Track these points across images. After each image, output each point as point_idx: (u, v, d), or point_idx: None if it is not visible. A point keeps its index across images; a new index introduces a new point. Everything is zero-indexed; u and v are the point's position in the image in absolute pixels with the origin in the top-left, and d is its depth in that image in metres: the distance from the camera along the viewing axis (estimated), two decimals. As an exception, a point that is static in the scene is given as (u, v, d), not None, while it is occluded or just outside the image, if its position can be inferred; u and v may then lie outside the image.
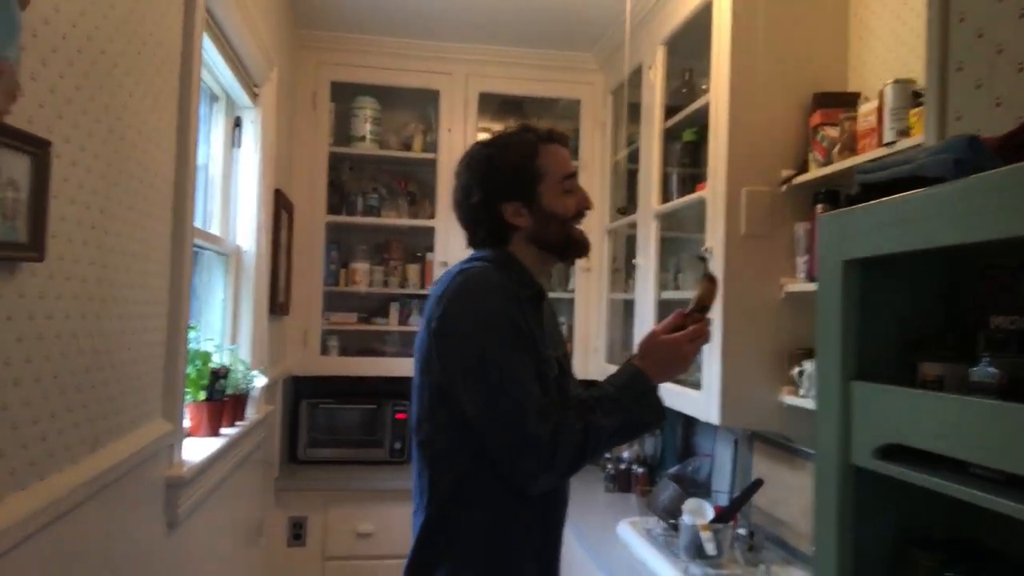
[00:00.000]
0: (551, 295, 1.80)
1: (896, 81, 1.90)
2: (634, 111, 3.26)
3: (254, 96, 2.91)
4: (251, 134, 2.93)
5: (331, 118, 3.75)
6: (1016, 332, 0.90)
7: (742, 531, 2.40)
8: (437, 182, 3.78)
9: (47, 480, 1.23)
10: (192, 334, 2.12)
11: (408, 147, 3.88)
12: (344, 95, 3.81)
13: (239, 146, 2.90)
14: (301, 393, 3.78)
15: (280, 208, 3.20)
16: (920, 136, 1.78)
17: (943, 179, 0.84)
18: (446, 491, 1.55)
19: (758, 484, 2.42)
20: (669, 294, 2.96)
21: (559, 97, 3.97)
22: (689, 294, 1.69)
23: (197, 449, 2.10)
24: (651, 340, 1.62)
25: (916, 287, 1.02)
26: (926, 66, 1.20)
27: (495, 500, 1.54)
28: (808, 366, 2.15)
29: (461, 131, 3.77)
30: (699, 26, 2.61)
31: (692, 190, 2.73)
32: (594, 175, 3.76)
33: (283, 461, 3.58)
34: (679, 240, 3.08)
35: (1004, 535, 0.97)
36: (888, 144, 1.89)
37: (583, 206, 1.66)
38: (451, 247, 3.71)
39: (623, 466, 3.36)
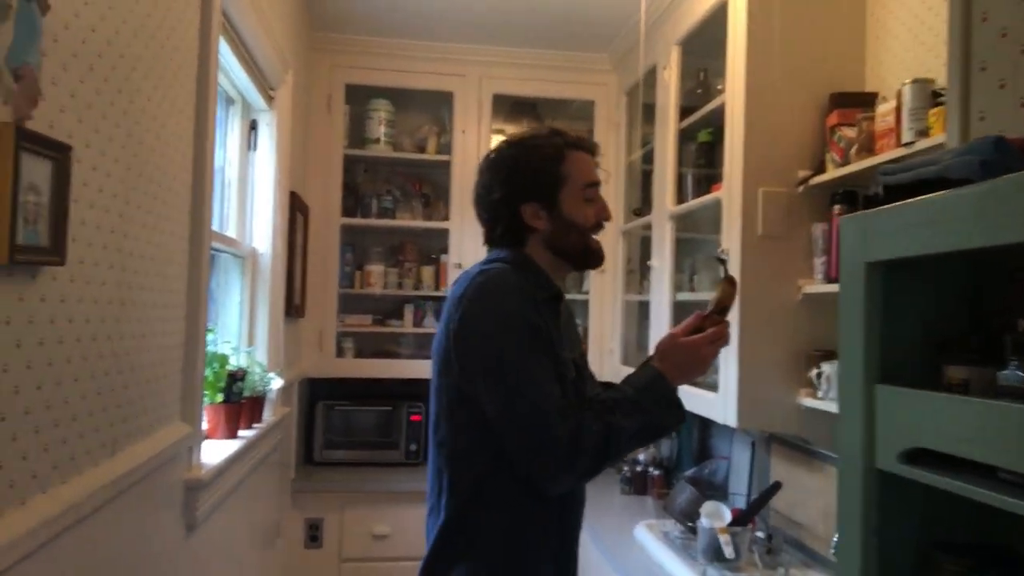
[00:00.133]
0: (566, 296, 1.80)
1: (915, 81, 1.88)
2: (648, 112, 3.25)
3: (269, 99, 2.92)
4: (267, 137, 2.94)
5: (346, 120, 3.76)
6: (1044, 336, 0.88)
7: (760, 534, 2.39)
8: (451, 184, 3.79)
9: (68, 483, 1.24)
10: (209, 336, 2.13)
11: (422, 149, 3.89)
12: (358, 97, 3.82)
13: (255, 149, 2.91)
14: (317, 395, 3.79)
15: (295, 210, 3.21)
16: (939, 136, 1.77)
17: (969, 181, 0.83)
18: (464, 492, 1.55)
19: (776, 487, 2.41)
20: (684, 295, 2.95)
21: (573, 98, 3.96)
22: (705, 295, 1.68)
23: (215, 451, 2.11)
24: (670, 342, 1.61)
25: (939, 289, 1.00)
26: (948, 66, 1.19)
27: (513, 501, 1.54)
28: (826, 368, 2.14)
29: (475, 133, 3.77)
30: (714, 26, 2.60)
31: (707, 191, 2.71)
32: (608, 176, 3.74)
33: (299, 463, 3.59)
34: (694, 241, 3.07)
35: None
36: (907, 144, 1.87)
37: (602, 217, 1.66)
38: (466, 249, 3.71)
39: (639, 468, 3.35)
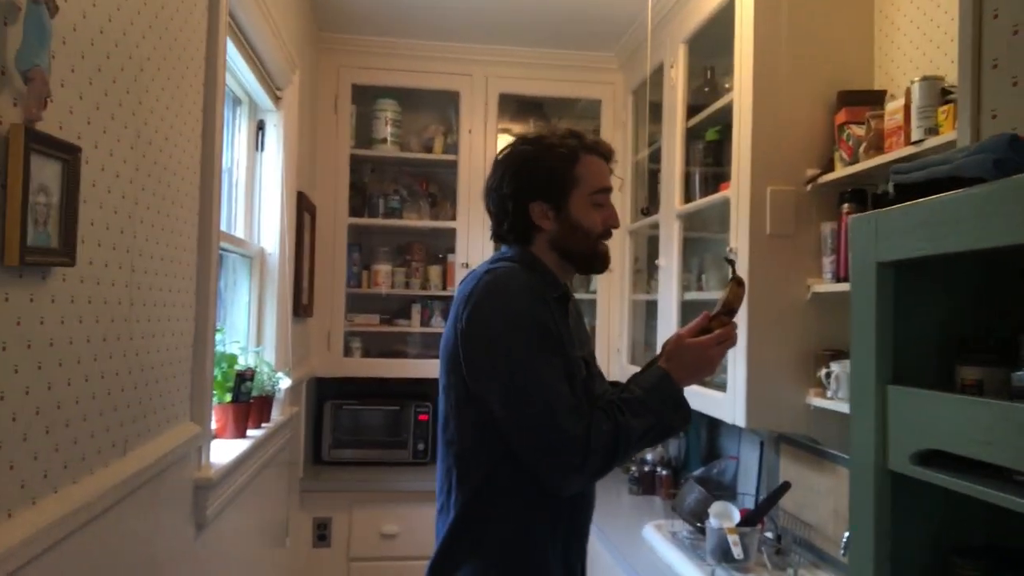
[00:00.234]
0: (574, 295, 1.80)
1: (924, 78, 1.87)
2: (655, 110, 3.24)
3: (277, 99, 2.93)
4: (274, 137, 2.94)
5: (352, 121, 3.76)
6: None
7: (769, 534, 2.38)
8: (458, 183, 3.79)
9: (79, 483, 1.24)
10: (218, 336, 2.14)
11: (429, 149, 3.89)
12: (365, 98, 3.82)
13: (262, 149, 2.92)
14: (324, 394, 3.79)
15: (303, 210, 3.22)
16: (949, 134, 1.76)
17: (982, 179, 0.82)
18: (473, 490, 1.55)
19: (785, 487, 2.40)
20: (692, 295, 2.94)
21: (579, 97, 3.96)
22: (713, 295, 1.68)
23: (224, 451, 2.12)
24: (677, 343, 1.61)
25: (950, 289, 1.00)
26: (959, 63, 1.18)
27: (522, 500, 1.54)
28: (836, 367, 2.13)
29: (481, 132, 3.77)
30: (721, 24, 2.59)
31: (715, 190, 2.71)
32: (615, 175, 3.73)
33: (307, 462, 3.60)
34: (702, 240, 3.06)
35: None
36: (916, 143, 1.86)
37: (610, 223, 1.65)
38: (473, 248, 3.71)
39: (647, 468, 3.34)
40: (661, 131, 3.16)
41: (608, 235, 1.66)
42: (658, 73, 3.16)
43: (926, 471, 0.87)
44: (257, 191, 2.91)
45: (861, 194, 2.17)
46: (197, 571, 1.90)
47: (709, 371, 1.63)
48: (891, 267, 0.95)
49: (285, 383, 2.82)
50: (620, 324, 3.72)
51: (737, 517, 2.33)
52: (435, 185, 4.04)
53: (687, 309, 2.90)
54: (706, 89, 2.93)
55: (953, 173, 0.88)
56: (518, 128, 3.96)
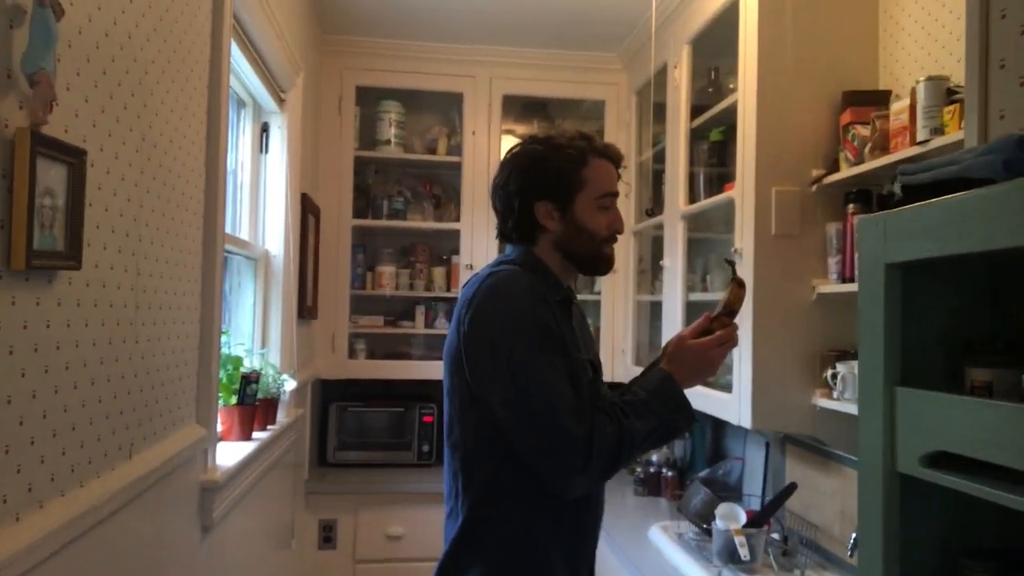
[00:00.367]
0: (577, 296, 1.80)
1: (929, 78, 1.87)
2: (659, 111, 3.24)
3: (281, 101, 2.93)
4: (278, 139, 2.95)
5: (356, 122, 3.76)
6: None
7: (775, 536, 2.38)
8: (462, 185, 3.79)
9: (86, 486, 1.24)
10: (223, 339, 2.14)
11: (433, 150, 3.89)
12: (369, 99, 3.83)
13: (266, 151, 2.92)
14: (329, 396, 3.80)
15: (307, 212, 3.22)
16: (955, 134, 1.76)
17: (991, 181, 0.82)
18: (478, 493, 1.55)
19: (792, 488, 2.39)
20: (697, 296, 2.94)
21: (583, 98, 3.95)
22: (717, 296, 1.68)
23: (230, 453, 2.12)
24: (679, 344, 1.61)
25: (958, 291, 0.99)
26: (966, 63, 1.17)
27: (524, 502, 1.53)
28: (841, 368, 2.12)
29: (485, 133, 3.77)
30: (725, 25, 2.59)
31: (720, 190, 2.70)
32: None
33: (312, 464, 3.60)
34: (706, 241, 3.06)
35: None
36: (921, 143, 1.86)
37: (614, 228, 1.65)
38: (476, 250, 3.71)
39: (653, 469, 3.34)
40: (665, 131, 3.16)
41: (613, 239, 1.66)
42: (662, 74, 3.16)
43: (936, 473, 0.86)
44: (261, 193, 2.91)
45: (866, 194, 2.17)
46: (203, 573, 1.90)
47: (710, 372, 1.63)
48: (899, 268, 0.95)
49: (290, 385, 2.82)
50: (624, 325, 3.72)
51: (743, 518, 2.33)
52: (439, 186, 4.04)
53: (691, 310, 2.89)
54: (710, 89, 2.92)
55: (962, 174, 0.87)
56: (522, 129, 3.97)
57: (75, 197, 1.16)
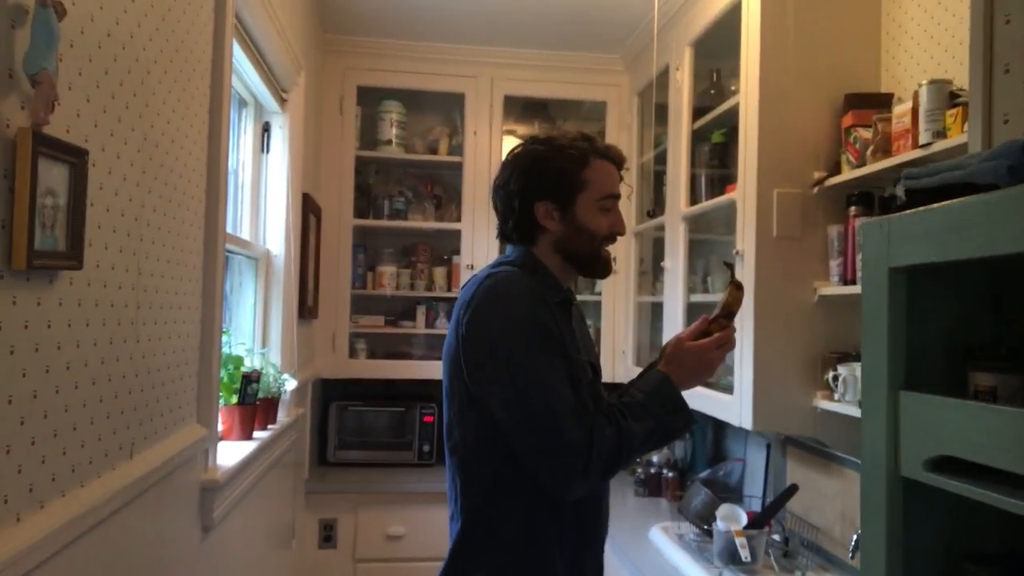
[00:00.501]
0: (578, 297, 1.80)
1: (931, 81, 1.87)
2: (661, 112, 3.24)
3: (282, 101, 2.93)
4: (279, 139, 2.95)
5: (357, 122, 3.76)
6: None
7: (776, 537, 2.38)
8: (463, 185, 3.79)
9: (87, 486, 1.24)
10: (224, 338, 2.14)
11: (434, 150, 3.89)
12: (370, 99, 3.82)
13: (268, 151, 2.92)
14: (330, 396, 3.79)
15: (308, 212, 3.22)
16: (957, 138, 1.76)
17: (995, 186, 0.82)
18: (478, 496, 1.54)
19: (793, 490, 2.39)
20: (698, 297, 2.94)
21: (585, 99, 3.95)
22: (718, 297, 1.68)
23: (230, 453, 2.12)
24: (677, 346, 1.61)
25: (961, 295, 0.99)
26: (970, 68, 1.17)
27: (524, 505, 1.53)
28: (843, 370, 2.12)
29: (486, 134, 3.77)
30: (727, 26, 2.59)
31: (721, 192, 2.70)
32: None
33: (313, 463, 3.59)
34: (708, 242, 3.06)
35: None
36: (924, 146, 1.86)
37: (616, 229, 1.65)
38: (477, 250, 3.71)
39: (653, 470, 3.34)
40: (667, 133, 3.16)
41: (612, 240, 1.66)
42: (664, 75, 3.16)
43: (939, 477, 0.86)
44: (263, 193, 2.91)
45: (868, 197, 2.17)
46: (204, 573, 1.90)
47: (708, 374, 1.63)
48: (903, 272, 0.95)
49: (291, 385, 2.82)
50: (625, 326, 3.71)
51: (744, 520, 2.32)
52: (440, 187, 4.04)
53: (692, 311, 2.89)
54: (712, 91, 2.92)
55: (966, 179, 0.87)
56: (523, 130, 3.97)
57: (77, 197, 1.15)
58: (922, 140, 1.87)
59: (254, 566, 2.50)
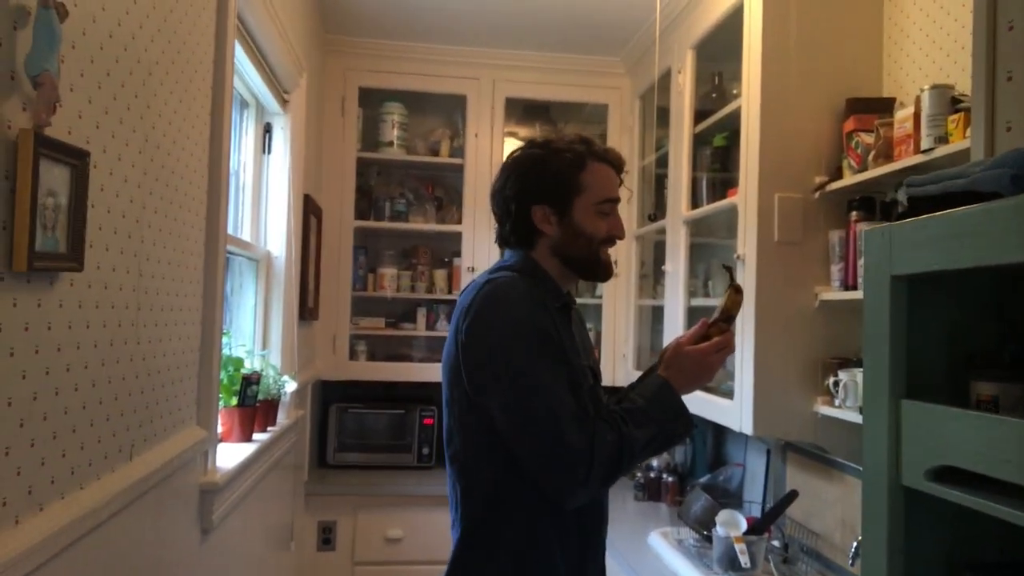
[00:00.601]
0: (578, 300, 1.79)
1: (934, 86, 1.87)
2: (663, 115, 3.24)
3: (284, 102, 2.93)
4: (281, 140, 2.95)
5: (359, 124, 3.76)
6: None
7: (776, 543, 2.37)
8: (464, 187, 3.79)
9: (87, 488, 1.24)
10: (224, 340, 2.14)
11: (435, 152, 3.89)
12: (372, 101, 3.83)
13: (269, 152, 2.92)
14: (330, 398, 3.79)
15: (309, 213, 3.22)
16: (959, 143, 1.75)
17: (998, 195, 0.82)
18: (479, 503, 1.54)
19: (793, 496, 2.39)
20: (699, 301, 2.93)
21: (586, 102, 3.95)
22: (719, 301, 1.67)
23: (230, 455, 2.11)
24: (676, 351, 1.61)
25: (963, 303, 0.99)
26: (973, 75, 1.17)
27: (526, 512, 1.52)
28: (844, 376, 2.12)
29: (488, 136, 3.77)
30: (729, 30, 2.59)
31: (723, 195, 2.70)
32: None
33: (312, 465, 3.59)
34: (709, 246, 3.05)
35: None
36: (926, 151, 1.86)
37: (614, 233, 1.63)
38: (478, 252, 3.71)
39: (653, 475, 3.34)
40: (668, 136, 3.16)
41: (612, 242, 1.65)
42: (665, 78, 3.16)
43: (940, 487, 0.86)
44: (264, 194, 2.91)
45: (870, 202, 2.17)
46: (203, 575, 1.90)
47: (708, 378, 1.62)
48: (905, 280, 0.95)
49: (291, 386, 2.82)
50: (626, 329, 3.71)
51: (744, 525, 2.32)
52: (441, 188, 4.04)
53: (693, 315, 2.89)
54: (714, 95, 2.92)
55: (969, 187, 0.87)
56: (524, 132, 3.97)
57: (78, 198, 1.15)
58: (924, 145, 1.86)
59: (253, 568, 2.50)
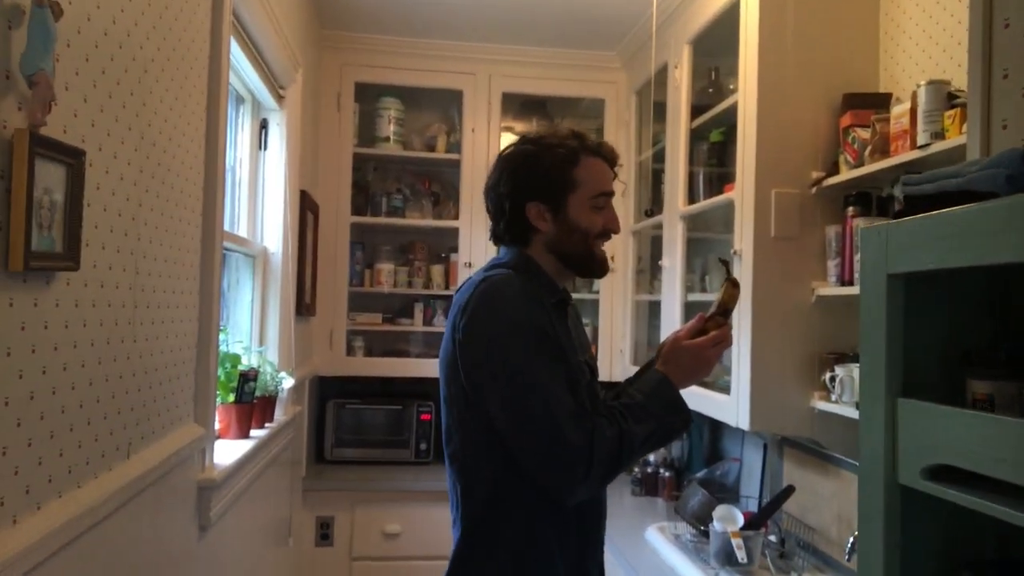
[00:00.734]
0: (575, 296, 1.79)
1: (930, 82, 1.87)
2: (659, 110, 3.24)
3: (280, 98, 2.92)
4: (277, 136, 2.94)
5: (355, 119, 3.75)
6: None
7: (773, 538, 2.38)
8: (461, 182, 3.78)
9: (84, 487, 1.24)
10: (221, 336, 2.13)
11: (432, 148, 3.88)
12: (368, 96, 3.82)
13: (265, 148, 2.91)
14: (327, 393, 3.79)
15: (306, 209, 3.21)
16: (955, 139, 1.76)
17: (994, 194, 0.82)
18: (478, 502, 1.54)
19: (790, 491, 2.40)
20: (695, 296, 2.94)
21: (583, 96, 3.95)
22: (716, 296, 1.67)
23: (227, 452, 2.12)
24: (674, 345, 1.61)
25: (960, 301, 0.99)
26: (968, 72, 1.17)
27: (525, 510, 1.52)
28: (840, 371, 2.12)
29: (484, 131, 3.76)
30: (726, 25, 2.59)
31: (719, 191, 2.70)
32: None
33: (310, 461, 3.59)
34: (706, 241, 3.05)
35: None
36: (922, 147, 1.86)
37: (609, 227, 1.63)
38: (475, 248, 3.71)
39: (650, 470, 3.35)
40: (665, 131, 3.16)
41: (607, 236, 1.64)
42: (662, 73, 3.16)
43: (936, 486, 0.86)
44: (260, 190, 2.90)
45: (866, 197, 2.17)
46: (201, 572, 1.90)
47: (706, 372, 1.63)
48: (901, 279, 0.95)
49: (288, 383, 2.82)
50: (623, 324, 3.72)
51: (741, 520, 2.33)
52: (438, 184, 4.04)
53: (690, 310, 2.89)
54: (710, 90, 2.92)
55: (964, 187, 0.87)
56: (521, 127, 3.96)
57: (74, 197, 1.15)
58: (920, 141, 1.86)
59: (251, 564, 2.50)
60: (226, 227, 2.20)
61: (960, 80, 1.81)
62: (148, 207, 1.50)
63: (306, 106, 3.21)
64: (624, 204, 3.59)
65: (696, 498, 2.53)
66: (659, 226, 3.20)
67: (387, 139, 3.80)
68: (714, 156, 2.93)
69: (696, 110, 2.91)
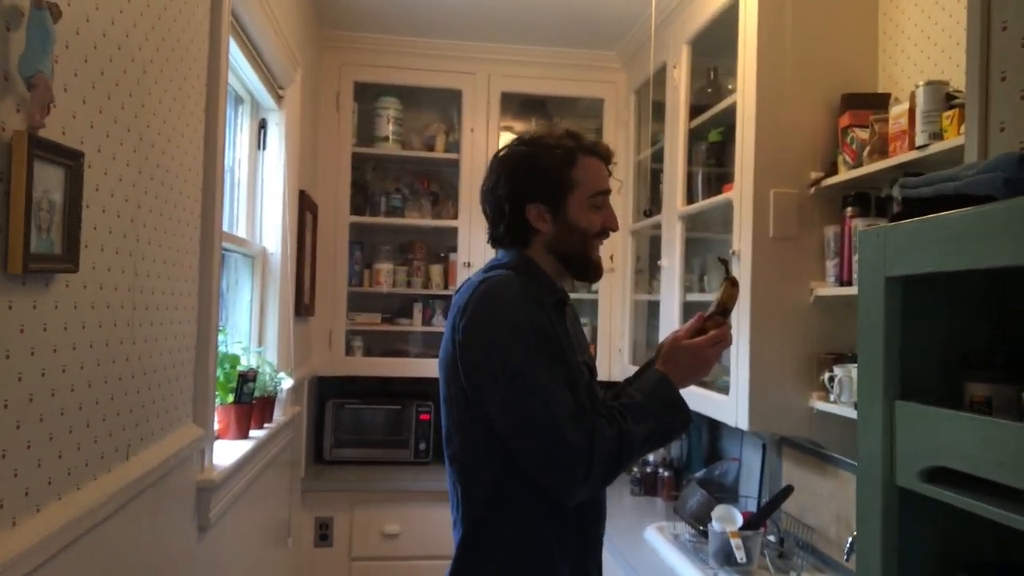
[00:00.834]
0: (574, 296, 1.79)
1: (928, 83, 1.87)
2: (658, 110, 3.24)
3: (279, 98, 2.92)
4: (276, 136, 2.94)
5: (354, 119, 3.75)
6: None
7: (772, 538, 2.38)
8: (460, 182, 3.78)
9: (83, 489, 1.24)
10: (220, 337, 2.13)
11: (431, 147, 3.88)
12: (367, 95, 3.82)
13: (264, 148, 2.91)
14: (326, 394, 3.79)
15: (305, 209, 3.21)
16: (954, 139, 1.76)
17: (992, 198, 0.82)
18: (478, 503, 1.54)
19: (788, 491, 2.40)
20: (694, 296, 2.94)
21: (582, 96, 3.95)
22: (714, 296, 1.68)
23: (227, 452, 2.12)
24: (673, 345, 1.61)
25: (958, 304, 0.99)
26: (966, 75, 1.17)
27: (525, 511, 1.52)
28: (839, 371, 2.13)
29: (483, 131, 3.76)
30: (724, 25, 2.59)
31: (718, 191, 2.70)
32: (617, 175, 3.72)
33: (309, 461, 3.59)
34: (704, 241, 3.06)
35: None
36: (920, 147, 1.86)
37: (608, 225, 1.64)
38: (474, 247, 3.71)
39: (649, 469, 3.35)
40: (663, 131, 3.16)
41: (605, 235, 1.65)
42: (661, 73, 3.16)
43: (934, 488, 0.86)
44: (259, 190, 2.90)
45: (865, 198, 2.17)
46: (200, 573, 1.90)
47: (705, 372, 1.63)
48: (899, 282, 0.95)
49: (287, 383, 2.82)
50: (622, 324, 3.72)
51: (739, 520, 2.33)
52: (437, 184, 4.03)
53: (689, 310, 2.89)
54: (709, 90, 2.92)
55: (962, 191, 0.87)
56: (520, 127, 3.96)
57: (72, 199, 1.15)
58: (919, 141, 1.87)
59: (251, 565, 2.50)
60: (225, 227, 2.20)
61: (959, 81, 1.81)
62: (147, 208, 1.50)
63: (305, 106, 3.21)
64: (623, 204, 3.60)
65: (695, 498, 2.53)
66: (658, 226, 3.20)
67: (386, 139, 3.80)
68: (713, 156, 2.93)
69: (695, 110, 2.91)
